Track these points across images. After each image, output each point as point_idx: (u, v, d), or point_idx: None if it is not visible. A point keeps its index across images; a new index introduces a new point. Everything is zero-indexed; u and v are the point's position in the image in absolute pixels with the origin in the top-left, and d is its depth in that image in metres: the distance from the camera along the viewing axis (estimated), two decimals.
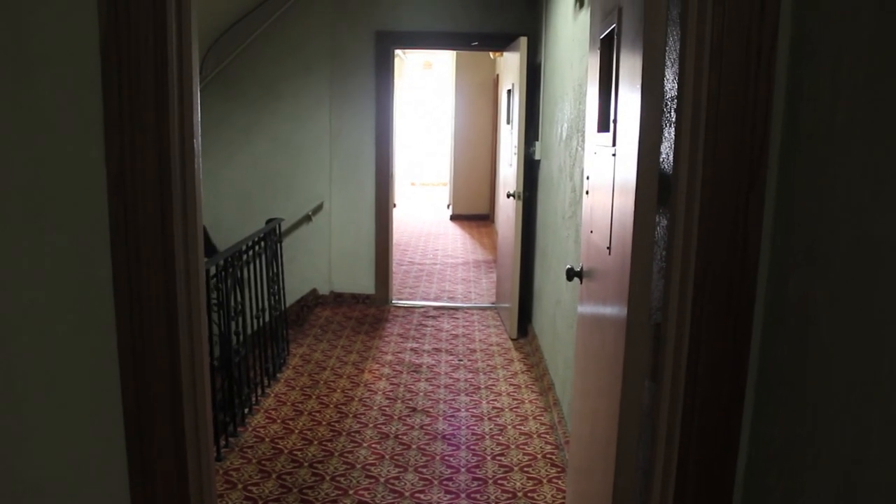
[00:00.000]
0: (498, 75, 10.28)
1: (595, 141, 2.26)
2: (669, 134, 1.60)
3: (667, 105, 1.63)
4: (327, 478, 3.29)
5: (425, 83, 15.54)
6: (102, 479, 1.51)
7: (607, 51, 2.10)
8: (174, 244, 1.44)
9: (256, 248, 4.29)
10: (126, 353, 1.45)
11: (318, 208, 6.22)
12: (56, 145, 1.40)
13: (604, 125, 2.13)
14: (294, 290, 5.74)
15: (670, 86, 1.61)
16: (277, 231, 4.75)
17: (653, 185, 1.57)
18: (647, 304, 1.62)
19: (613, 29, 1.95)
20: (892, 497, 0.96)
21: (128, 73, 1.38)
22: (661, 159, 1.61)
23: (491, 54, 10.63)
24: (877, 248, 1.02)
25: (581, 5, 3.71)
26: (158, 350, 1.47)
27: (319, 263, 6.32)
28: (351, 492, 3.17)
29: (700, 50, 1.36)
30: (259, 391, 4.20)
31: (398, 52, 7.71)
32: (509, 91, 5.86)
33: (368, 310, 6.28)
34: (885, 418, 0.98)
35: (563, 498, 3.13)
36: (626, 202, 1.72)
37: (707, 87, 1.36)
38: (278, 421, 3.91)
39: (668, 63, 1.59)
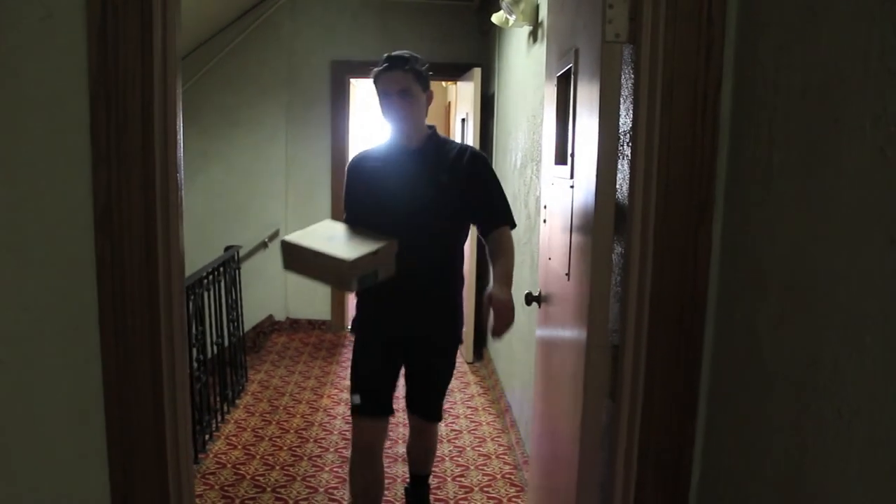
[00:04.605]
0: (450, 103, 10.43)
1: (553, 173, 2.38)
2: (623, 167, 1.72)
3: (620, 139, 1.76)
4: (290, 502, 3.32)
5: (377, 110, 15.61)
6: None
7: (564, 88, 2.22)
8: (158, 276, 1.51)
9: (215, 274, 4.31)
10: (110, 384, 1.50)
11: (274, 235, 6.25)
12: (45, 182, 1.45)
13: (561, 158, 2.25)
14: (250, 316, 5.75)
15: (623, 120, 1.74)
16: (236, 258, 4.78)
17: (609, 216, 1.69)
18: (605, 327, 1.73)
19: (570, 68, 2.07)
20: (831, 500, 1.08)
21: (115, 112, 1.45)
22: (616, 189, 1.73)
23: (443, 83, 10.78)
24: (810, 276, 1.14)
25: (535, 40, 3.86)
26: (142, 380, 1.52)
27: (275, 290, 6.34)
28: None
29: (653, 94, 1.49)
30: (219, 417, 4.21)
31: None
32: (463, 120, 6.00)
33: (325, 335, 6.30)
34: (816, 428, 1.10)
35: None
36: (584, 231, 1.84)
37: (659, 127, 1.48)
38: (239, 447, 3.92)
39: (623, 97, 1.72)
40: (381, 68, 2.74)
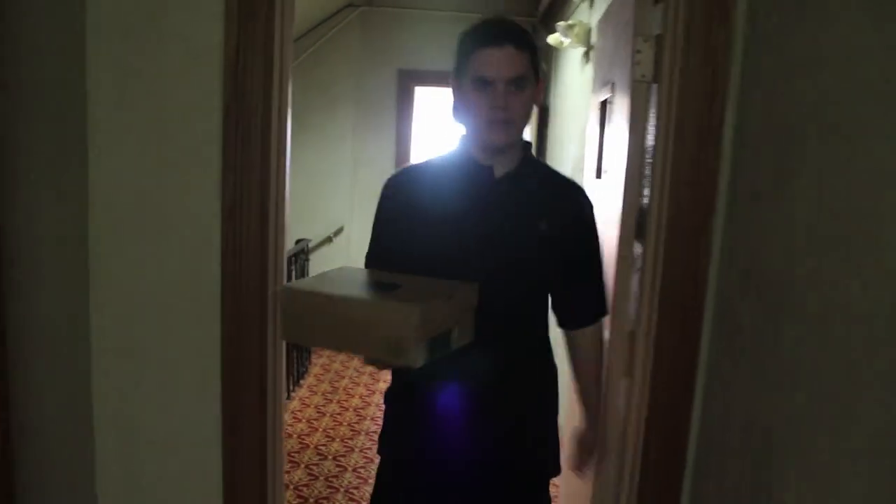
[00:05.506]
0: None
1: (592, 185, 2.74)
2: (647, 181, 2.07)
3: (647, 154, 2.10)
4: (349, 469, 3.74)
5: (438, 115, 16.01)
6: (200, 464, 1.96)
7: (604, 113, 2.58)
8: (268, 261, 1.91)
9: (288, 264, 4.76)
10: (227, 340, 1.91)
11: (339, 231, 6.69)
12: (186, 183, 1.87)
13: (598, 174, 2.61)
14: None
15: (651, 139, 2.08)
16: (306, 250, 5.22)
17: (632, 226, 2.04)
18: (626, 315, 2.07)
19: (608, 98, 2.43)
20: (802, 452, 1.42)
21: (241, 129, 1.86)
22: (639, 201, 2.08)
23: None
24: (781, 279, 1.48)
25: (587, 60, 4.20)
26: (250, 341, 1.92)
27: None
28: (370, 481, 3.60)
29: (668, 126, 1.83)
30: (286, 394, 4.65)
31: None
32: None
33: None
34: (779, 405, 1.43)
35: (556, 497, 3.56)
36: (612, 236, 2.19)
37: (672, 154, 1.83)
38: (304, 420, 4.35)
39: (650, 119, 2.06)
40: (482, 39, 1.70)
